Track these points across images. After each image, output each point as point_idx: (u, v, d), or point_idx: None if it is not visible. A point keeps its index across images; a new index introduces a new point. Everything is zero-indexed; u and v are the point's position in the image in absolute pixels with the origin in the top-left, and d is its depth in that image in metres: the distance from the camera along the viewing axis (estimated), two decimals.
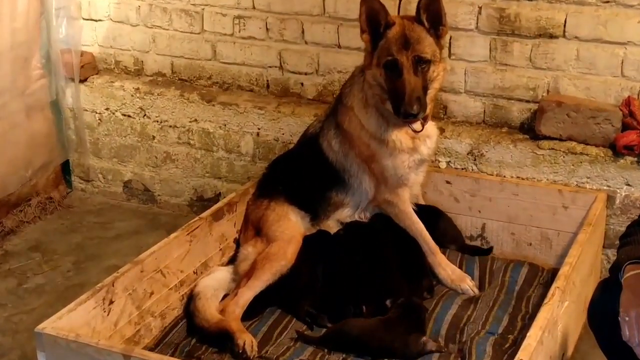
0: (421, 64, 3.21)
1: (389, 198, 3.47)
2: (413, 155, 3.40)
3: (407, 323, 2.98)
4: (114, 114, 4.76)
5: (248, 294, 3.28)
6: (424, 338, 2.97)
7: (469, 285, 3.39)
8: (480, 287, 3.44)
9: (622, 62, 3.63)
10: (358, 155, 3.47)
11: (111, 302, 3.00)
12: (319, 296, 3.28)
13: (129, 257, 3.25)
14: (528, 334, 2.61)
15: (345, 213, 3.60)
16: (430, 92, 3.29)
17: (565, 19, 3.67)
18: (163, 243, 3.29)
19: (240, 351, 3.00)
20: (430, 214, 3.63)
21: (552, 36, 3.72)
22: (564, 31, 3.69)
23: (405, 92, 3.15)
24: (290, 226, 3.47)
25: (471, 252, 3.66)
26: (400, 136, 3.36)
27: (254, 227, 3.59)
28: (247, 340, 3.03)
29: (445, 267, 3.44)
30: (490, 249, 3.70)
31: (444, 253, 3.52)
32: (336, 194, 3.56)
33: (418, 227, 3.48)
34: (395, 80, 3.19)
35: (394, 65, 3.19)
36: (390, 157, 3.38)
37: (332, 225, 3.58)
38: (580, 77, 3.73)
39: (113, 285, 3.01)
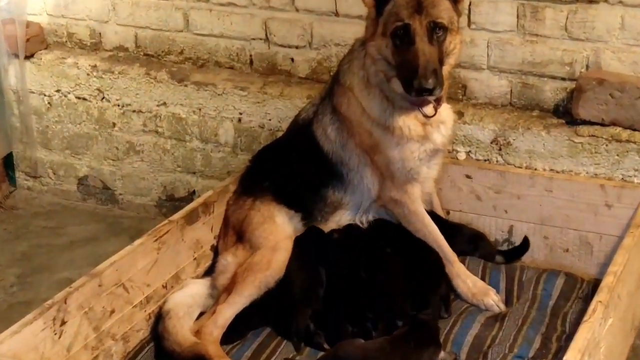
0: (437, 31, 3.19)
1: (396, 196, 3.47)
2: (424, 144, 3.40)
3: (417, 339, 2.98)
4: (66, 96, 4.76)
5: (228, 312, 3.28)
6: (442, 354, 2.97)
7: (493, 300, 3.40)
8: (507, 302, 3.44)
9: None
10: (358, 145, 3.47)
11: (63, 323, 2.98)
12: (321, 305, 3.28)
13: (84, 269, 3.25)
14: (564, 358, 2.61)
15: (344, 215, 3.60)
16: (445, 68, 3.28)
17: None
18: (125, 252, 3.28)
19: None
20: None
21: (591, 1, 3.72)
22: None
23: (419, 62, 3.12)
24: (276, 230, 3.47)
25: (504, 256, 3.67)
26: (408, 122, 3.35)
27: (235, 232, 3.59)
28: None
29: (465, 279, 3.45)
30: (525, 244, 3.69)
31: (463, 262, 3.53)
32: (333, 192, 3.56)
33: (431, 231, 3.48)
34: (406, 51, 3.17)
35: (405, 33, 3.17)
36: (396, 147, 3.38)
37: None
38: (626, 49, 3.73)
39: (65, 303, 2.99)
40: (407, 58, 3.17)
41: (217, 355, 3.10)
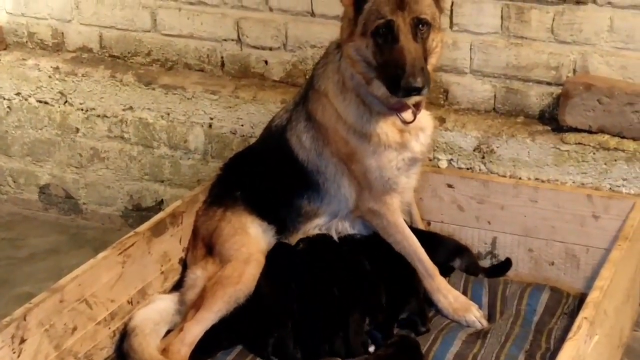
0: (420, 27, 3.22)
1: (375, 207, 3.51)
2: (402, 152, 3.43)
3: None
4: (26, 100, 4.77)
5: (197, 328, 3.29)
6: None
7: (475, 316, 3.43)
8: (490, 317, 3.48)
9: None
10: (335, 154, 3.50)
11: (22, 341, 2.98)
12: (295, 323, 3.31)
13: (45, 283, 3.25)
14: None
15: (319, 225, 3.63)
16: (428, 68, 3.31)
17: None
18: (88, 265, 3.28)
19: None
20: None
21: (579, 2, 3.77)
22: None
23: (406, 61, 3.13)
24: (249, 242, 3.49)
25: (485, 272, 3.71)
26: (386, 128, 3.39)
27: (205, 244, 3.61)
28: None
29: (447, 294, 3.48)
30: (507, 263, 3.74)
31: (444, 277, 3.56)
32: (308, 202, 3.59)
33: (411, 243, 3.51)
34: (390, 50, 3.18)
35: (387, 30, 3.18)
36: (373, 155, 3.41)
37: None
38: (615, 53, 3.78)
39: (25, 319, 2.99)
40: (391, 57, 3.18)
41: None
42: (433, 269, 3.50)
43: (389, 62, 3.19)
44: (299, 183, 3.58)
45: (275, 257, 3.51)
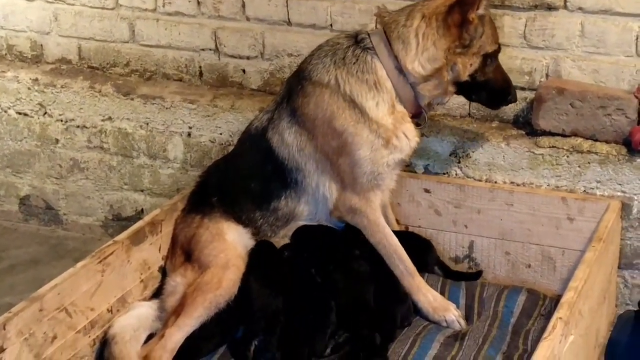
0: None
1: (357, 205, 3.51)
2: (394, 152, 3.47)
3: (364, 353, 3.06)
4: (5, 112, 4.76)
5: (178, 334, 3.29)
6: None
7: (454, 315, 3.44)
8: (468, 319, 3.49)
9: (637, 39, 3.72)
10: (319, 149, 3.51)
11: (2, 350, 2.97)
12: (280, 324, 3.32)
13: (26, 294, 3.24)
14: None
15: (297, 226, 3.64)
16: None
17: None
18: (68, 274, 3.28)
19: None
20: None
21: (550, 7, 3.80)
22: (566, 1, 3.77)
23: (508, 78, 3.59)
24: (227, 247, 3.50)
25: (455, 276, 3.72)
26: (394, 127, 3.46)
27: (184, 252, 3.61)
28: None
29: (426, 293, 3.49)
30: (479, 273, 3.76)
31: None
32: (286, 203, 3.61)
33: (392, 242, 3.52)
34: (491, 71, 3.50)
35: (496, 55, 3.52)
36: (371, 148, 3.42)
37: (280, 244, 3.64)
38: (587, 57, 3.81)
39: (4, 328, 2.98)
40: (494, 76, 3.51)
41: None
42: (413, 268, 3.50)
43: (492, 81, 3.51)
44: (277, 183, 3.59)
45: (256, 255, 3.53)
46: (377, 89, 3.44)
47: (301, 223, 3.63)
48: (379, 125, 3.42)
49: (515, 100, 3.64)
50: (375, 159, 3.44)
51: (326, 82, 3.48)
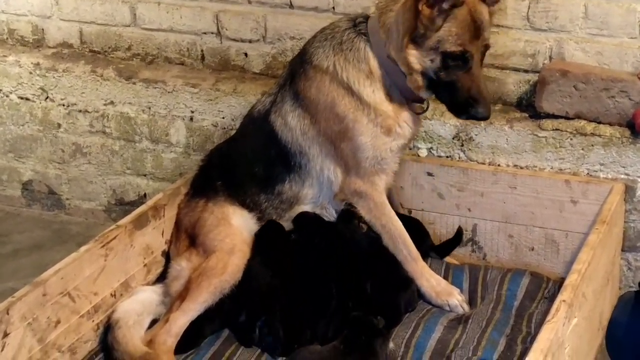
0: (484, 53, 3.32)
1: (362, 188, 3.50)
2: (397, 139, 3.46)
3: (364, 333, 3.06)
4: (7, 96, 4.75)
5: (182, 319, 3.29)
6: (391, 344, 3.09)
7: (457, 300, 3.45)
8: (471, 303, 3.50)
9: None
10: (322, 133, 3.50)
11: (6, 335, 2.98)
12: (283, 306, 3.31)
13: (30, 279, 3.24)
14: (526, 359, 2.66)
15: (301, 210, 3.62)
16: None
17: None
18: (71, 259, 3.28)
19: None
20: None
21: None
22: None
23: (480, 91, 3.26)
24: (232, 232, 3.50)
25: (440, 251, 3.74)
26: (394, 114, 3.42)
27: (188, 236, 3.61)
28: None
29: (429, 278, 3.49)
30: (459, 232, 3.77)
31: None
32: (290, 187, 3.60)
33: (397, 226, 3.51)
34: (459, 75, 3.25)
35: (461, 56, 3.23)
36: (371, 134, 3.41)
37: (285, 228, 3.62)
38: (590, 39, 3.81)
39: (8, 313, 2.99)
40: (461, 82, 3.25)
41: None
42: (416, 253, 3.50)
43: (458, 86, 3.26)
44: (281, 167, 3.59)
45: (264, 235, 3.54)
46: (372, 76, 3.42)
47: (305, 207, 3.63)
48: (379, 112, 3.40)
49: (483, 118, 3.33)
50: (377, 145, 3.44)
51: (326, 68, 3.47)
